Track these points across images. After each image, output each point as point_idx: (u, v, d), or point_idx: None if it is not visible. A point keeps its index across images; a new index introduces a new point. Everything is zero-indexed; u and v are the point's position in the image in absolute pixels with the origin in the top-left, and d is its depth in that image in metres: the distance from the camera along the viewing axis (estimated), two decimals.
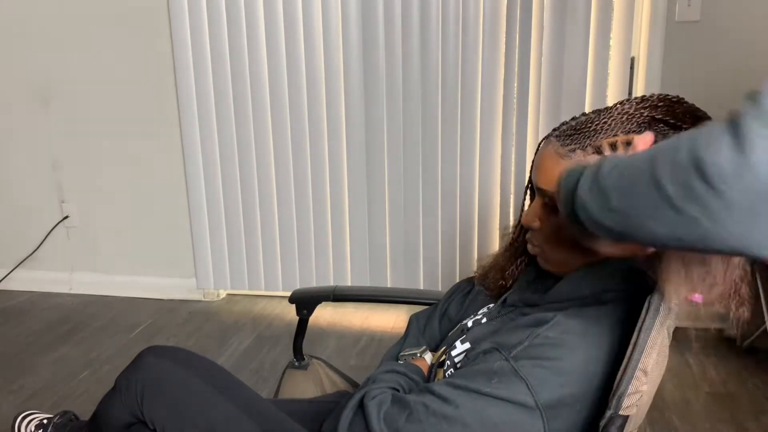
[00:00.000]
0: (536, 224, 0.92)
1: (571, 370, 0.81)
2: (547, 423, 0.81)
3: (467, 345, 0.94)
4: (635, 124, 0.84)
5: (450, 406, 0.82)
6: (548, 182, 0.87)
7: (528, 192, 1.01)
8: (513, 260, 1.04)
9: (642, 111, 0.84)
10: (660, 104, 0.85)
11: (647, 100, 0.86)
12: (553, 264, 0.93)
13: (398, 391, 0.91)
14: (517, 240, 1.04)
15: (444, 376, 0.94)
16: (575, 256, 0.89)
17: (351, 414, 0.88)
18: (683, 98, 0.85)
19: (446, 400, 0.83)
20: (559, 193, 0.72)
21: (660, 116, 0.83)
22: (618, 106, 0.86)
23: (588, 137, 0.85)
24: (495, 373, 0.82)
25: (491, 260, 1.09)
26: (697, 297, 0.81)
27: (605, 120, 0.85)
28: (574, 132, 0.87)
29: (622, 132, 0.84)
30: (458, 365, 0.93)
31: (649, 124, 0.84)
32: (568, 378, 0.81)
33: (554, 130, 0.91)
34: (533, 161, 0.93)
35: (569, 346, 0.82)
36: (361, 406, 0.87)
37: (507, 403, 0.80)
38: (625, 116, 0.85)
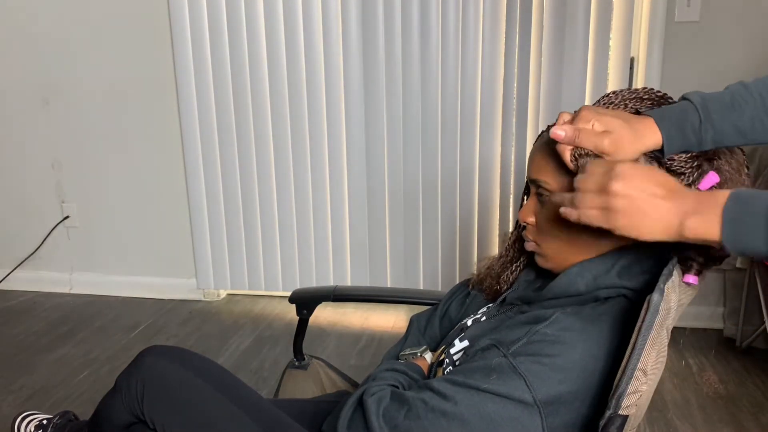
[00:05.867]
0: (531, 219, 0.94)
1: (570, 367, 0.81)
2: (545, 419, 0.81)
3: (466, 343, 0.94)
4: None
5: (449, 403, 0.82)
6: (540, 172, 0.90)
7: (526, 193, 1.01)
8: (508, 266, 1.04)
9: (627, 102, 0.86)
10: (645, 97, 0.87)
11: (634, 92, 0.88)
12: (549, 259, 0.93)
13: (398, 388, 0.91)
14: (514, 246, 1.04)
15: (443, 375, 0.94)
16: (570, 250, 0.90)
17: (350, 411, 0.88)
18: (669, 96, 0.88)
19: (445, 396, 0.83)
20: (728, 244, 0.69)
21: (644, 110, 0.84)
22: (605, 98, 0.88)
23: None
24: (493, 370, 0.82)
25: (486, 267, 1.09)
26: (692, 279, 0.81)
27: None
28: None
29: None
30: (457, 363, 0.93)
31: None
32: (567, 375, 0.81)
33: (549, 126, 0.93)
34: (528, 156, 0.94)
35: (567, 343, 0.82)
36: (361, 403, 0.88)
37: (505, 400, 0.81)
38: (611, 107, 0.86)
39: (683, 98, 0.83)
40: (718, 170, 0.83)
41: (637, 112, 0.84)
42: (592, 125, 0.81)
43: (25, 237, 2.98)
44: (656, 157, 0.82)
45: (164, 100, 2.69)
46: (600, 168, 0.76)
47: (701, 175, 0.82)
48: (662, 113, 0.82)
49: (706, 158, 0.83)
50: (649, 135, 0.80)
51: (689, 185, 0.82)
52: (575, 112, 0.84)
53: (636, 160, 0.82)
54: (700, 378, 2.13)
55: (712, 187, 0.83)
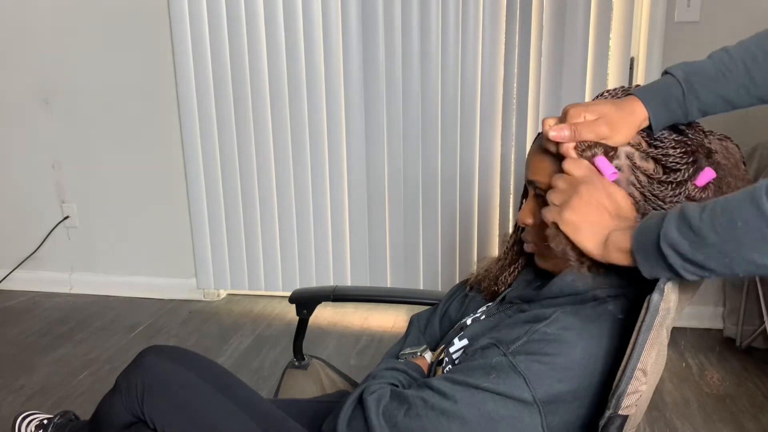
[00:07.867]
0: (530, 221, 0.94)
1: (569, 366, 0.81)
2: (544, 418, 0.81)
3: (465, 342, 0.94)
4: None
5: (448, 401, 0.82)
6: (537, 173, 0.90)
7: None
8: (506, 268, 1.04)
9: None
10: None
11: (627, 90, 0.89)
12: (549, 260, 0.93)
13: (397, 387, 0.91)
14: (512, 248, 1.04)
15: (443, 374, 0.94)
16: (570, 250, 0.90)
17: (350, 410, 0.88)
18: None
19: (445, 395, 0.83)
20: (636, 252, 0.74)
21: None
22: (600, 97, 0.89)
23: None
24: (493, 368, 0.82)
25: (484, 269, 1.09)
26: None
27: None
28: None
29: None
30: (457, 362, 0.93)
31: None
32: (566, 374, 0.81)
33: None
34: (526, 158, 0.95)
35: (567, 342, 0.82)
36: (361, 401, 0.88)
37: (505, 398, 0.81)
38: None
39: (666, 72, 0.85)
40: (716, 165, 0.83)
41: None
42: (584, 117, 0.82)
43: (25, 237, 2.98)
44: (650, 144, 0.83)
45: (164, 100, 2.69)
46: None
47: (697, 171, 0.82)
48: (645, 90, 0.83)
49: (703, 153, 0.83)
50: (639, 111, 0.82)
51: (685, 181, 0.82)
52: (560, 115, 0.85)
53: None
54: (704, 377, 2.13)
55: (708, 183, 0.83)
